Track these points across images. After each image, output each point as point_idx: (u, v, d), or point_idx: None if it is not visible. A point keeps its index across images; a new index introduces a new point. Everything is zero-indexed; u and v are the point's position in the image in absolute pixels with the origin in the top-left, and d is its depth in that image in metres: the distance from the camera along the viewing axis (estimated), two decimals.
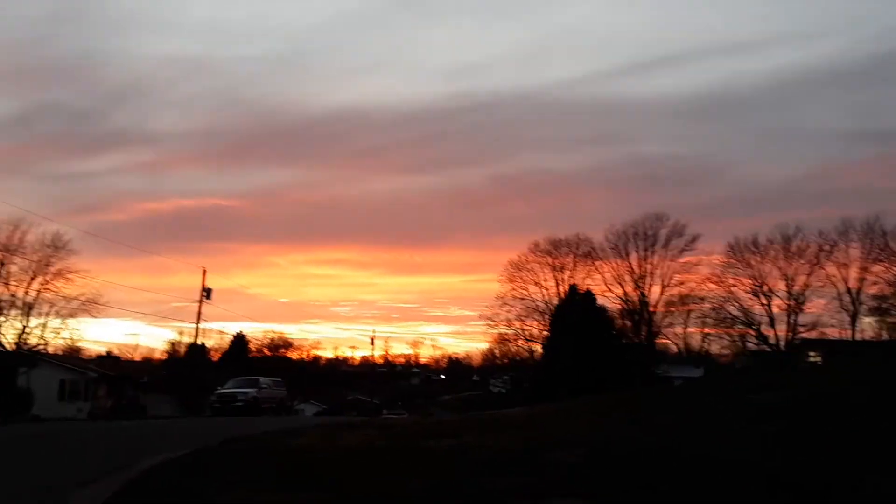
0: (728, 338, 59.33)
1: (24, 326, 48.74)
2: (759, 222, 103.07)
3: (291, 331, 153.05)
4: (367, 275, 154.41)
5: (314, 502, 8.04)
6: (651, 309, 59.78)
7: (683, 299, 60.52)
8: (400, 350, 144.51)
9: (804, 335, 54.56)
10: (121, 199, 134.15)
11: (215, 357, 75.08)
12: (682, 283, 59.05)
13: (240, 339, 75.43)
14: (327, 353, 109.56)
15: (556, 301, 60.51)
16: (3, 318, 48.40)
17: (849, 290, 53.34)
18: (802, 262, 54.52)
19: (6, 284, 48.28)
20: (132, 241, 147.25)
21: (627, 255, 59.66)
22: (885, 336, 53.97)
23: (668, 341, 66.52)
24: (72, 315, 50.46)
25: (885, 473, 7.23)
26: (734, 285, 56.11)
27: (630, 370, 51.97)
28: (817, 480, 7.09)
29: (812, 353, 52.52)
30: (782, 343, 54.66)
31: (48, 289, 49.32)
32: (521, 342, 64.56)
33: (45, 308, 49.66)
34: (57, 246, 49.82)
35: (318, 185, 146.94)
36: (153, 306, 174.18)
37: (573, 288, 59.34)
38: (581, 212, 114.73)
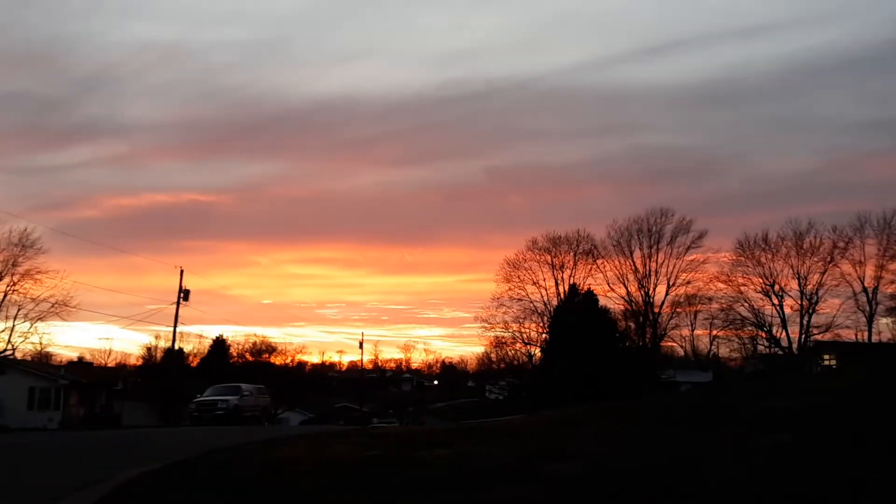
0: (738, 340, 59.80)
1: None
2: (770, 217, 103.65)
3: (275, 334, 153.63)
4: (355, 275, 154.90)
5: None
6: (656, 310, 60.02)
7: (690, 299, 60.86)
8: (390, 355, 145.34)
9: (818, 337, 54.86)
10: (92, 195, 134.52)
11: (194, 363, 75.15)
12: (688, 282, 59.41)
13: (220, 344, 75.44)
14: (313, 359, 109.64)
15: (555, 302, 60.71)
16: None
17: (865, 290, 53.65)
18: (816, 259, 54.85)
19: None
20: (104, 240, 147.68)
21: (631, 252, 59.95)
22: None
23: (674, 344, 66.92)
24: (41, 318, 50.59)
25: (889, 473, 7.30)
26: (744, 284, 56.49)
27: (634, 375, 52.14)
28: (818, 490, 7.14)
29: (826, 357, 52.82)
30: (795, 346, 54.92)
31: (16, 290, 49.37)
32: (518, 345, 64.75)
33: (13, 311, 49.66)
34: (24, 244, 49.91)
35: (302, 179, 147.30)
36: (127, 309, 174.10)
37: (573, 288, 59.50)
38: (582, 207, 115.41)
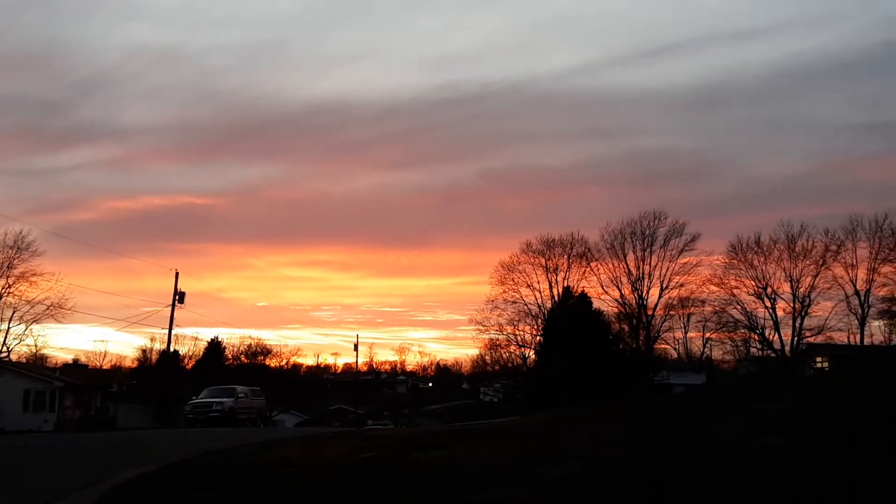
0: (731, 343, 59.94)
1: None
2: (763, 220, 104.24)
3: (270, 337, 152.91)
4: (350, 277, 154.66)
5: None
6: (649, 312, 60.22)
7: (683, 302, 61.10)
8: (385, 357, 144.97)
9: (810, 340, 55.01)
10: (88, 198, 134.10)
11: (189, 365, 74.98)
12: (681, 284, 59.64)
13: (215, 346, 75.31)
14: (308, 361, 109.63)
15: (549, 304, 60.84)
16: None
17: (857, 292, 53.84)
18: (808, 262, 55.07)
19: None
20: (100, 242, 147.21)
21: (624, 255, 60.14)
22: (895, 340, 54.43)
23: (667, 346, 67.19)
24: (36, 320, 50.59)
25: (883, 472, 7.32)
26: (736, 287, 56.68)
27: (628, 377, 52.23)
28: (813, 490, 7.16)
29: (819, 359, 52.93)
30: (787, 348, 55.10)
31: (11, 293, 49.28)
32: (513, 348, 64.86)
33: (8, 313, 49.54)
34: (20, 247, 49.84)
35: (298, 182, 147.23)
36: (123, 311, 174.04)
37: (567, 290, 59.58)
38: (575, 210, 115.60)
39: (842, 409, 12.13)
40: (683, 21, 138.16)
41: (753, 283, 55.85)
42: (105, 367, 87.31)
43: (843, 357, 48.57)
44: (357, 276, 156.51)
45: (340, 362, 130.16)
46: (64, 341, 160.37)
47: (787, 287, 55.29)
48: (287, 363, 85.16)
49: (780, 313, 55.35)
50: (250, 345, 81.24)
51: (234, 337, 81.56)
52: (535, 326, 61.80)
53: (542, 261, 62.10)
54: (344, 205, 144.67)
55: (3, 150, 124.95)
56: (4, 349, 50.58)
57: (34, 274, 49.94)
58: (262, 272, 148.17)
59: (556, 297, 60.50)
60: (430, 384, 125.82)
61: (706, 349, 70.07)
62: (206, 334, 77.38)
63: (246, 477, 11.32)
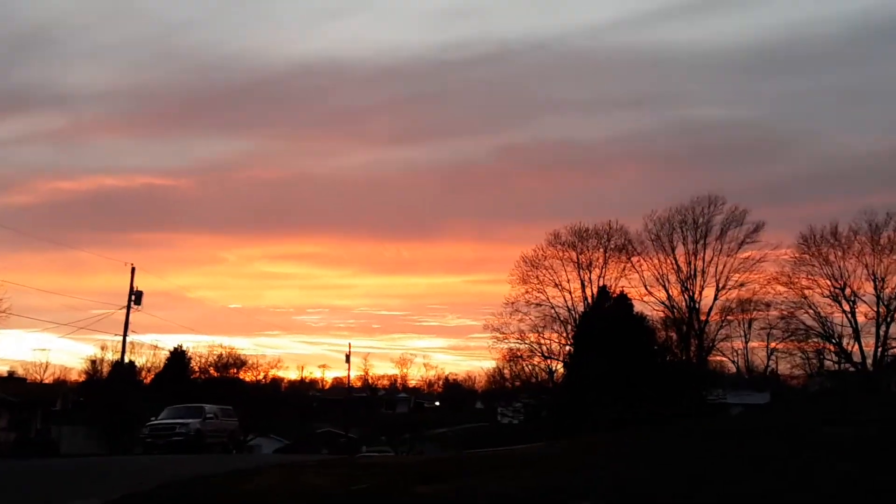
0: (801, 354, 59.68)
1: None
2: (840, 207, 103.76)
3: (244, 345, 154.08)
4: (340, 274, 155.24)
5: None
6: (702, 317, 60.05)
7: (744, 305, 60.93)
8: (383, 370, 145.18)
9: None
10: (26, 177, 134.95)
11: (147, 379, 75.41)
12: (741, 284, 59.42)
13: (178, 356, 75.65)
14: (291, 375, 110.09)
15: (581, 308, 60.77)
16: None
17: None
18: (895, 257, 54.71)
19: None
20: (41, 231, 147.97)
21: (672, 248, 59.99)
22: None
23: (724, 358, 66.96)
24: None
25: None
26: (808, 288, 56.49)
27: (676, 395, 52.16)
28: None
29: None
30: (869, 361, 54.92)
31: None
32: (537, 359, 64.78)
33: None
34: None
35: (278, 160, 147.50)
36: (68, 314, 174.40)
37: (603, 290, 59.52)
38: (613, 194, 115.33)
39: None
40: None
41: (829, 283, 55.71)
42: (47, 381, 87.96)
43: None
44: (349, 273, 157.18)
45: (329, 376, 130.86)
46: None
47: (869, 287, 55.11)
48: (265, 377, 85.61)
49: (860, 319, 55.20)
50: (220, 355, 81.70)
51: (201, 345, 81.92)
52: (565, 334, 61.77)
53: (573, 255, 62.01)
54: (333, 186, 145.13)
55: None
56: None
57: None
58: (234, 268, 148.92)
59: (589, 299, 60.47)
60: (437, 403, 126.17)
61: (771, 362, 69.88)
62: (168, 342, 78.20)
63: None
